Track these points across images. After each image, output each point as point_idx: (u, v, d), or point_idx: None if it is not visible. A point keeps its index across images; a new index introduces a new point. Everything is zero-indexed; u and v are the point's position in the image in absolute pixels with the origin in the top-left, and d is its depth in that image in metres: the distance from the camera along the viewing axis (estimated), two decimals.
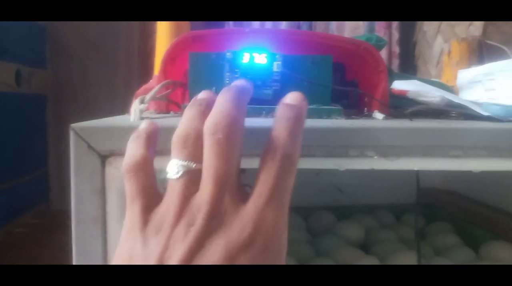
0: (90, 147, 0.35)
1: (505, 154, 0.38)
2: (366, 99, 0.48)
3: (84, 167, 0.36)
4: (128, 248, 0.22)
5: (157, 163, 0.36)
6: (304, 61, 0.46)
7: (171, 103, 0.47)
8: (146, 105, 0.39)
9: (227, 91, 0.24)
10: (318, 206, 0.79)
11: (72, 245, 0.36)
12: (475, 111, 0.46)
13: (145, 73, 1.82)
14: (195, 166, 0.22)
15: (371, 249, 0.65)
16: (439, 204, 0.83)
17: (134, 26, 2.06)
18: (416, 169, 0.38)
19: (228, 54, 0.44)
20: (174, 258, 0.20)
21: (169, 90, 0.46)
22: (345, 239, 0.67)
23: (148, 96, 0.40)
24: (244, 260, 0.19)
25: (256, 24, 1.42)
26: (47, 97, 2.21)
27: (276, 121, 0.23)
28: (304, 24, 1.53)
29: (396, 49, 1.33)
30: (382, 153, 0.37)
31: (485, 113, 0.45)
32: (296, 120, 0.23)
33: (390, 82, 0.54)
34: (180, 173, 0.22)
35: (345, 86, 0.51)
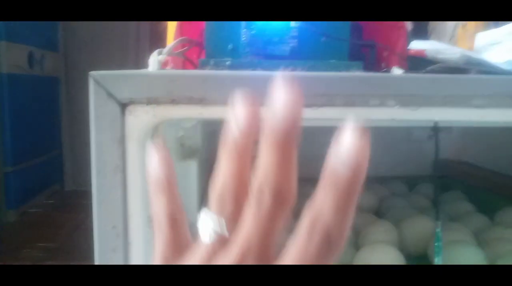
0: (109, 94, 0.35)
1: None
2: (384, 55, 0.47)
3: (104, 116, 0.36)
4: None
5: (176, 112, 0.37)
6: None
7: (187, 61, 0.47)
8: (164, 56, 0.38)
9: (274, 142, 0.17)
10: None
11: (92, 196, 0.37)
12: (496, 67, 0.45)
13: None
14: (229, 234, 0.19)
15: (384, 215, 0.65)
16: (453, 174, 0.82)
17: None
18: (437, 119, 0.37)
19: None
20: None
21: (185, 48, 0.46)
22: (358, 206, 0.66)
23: (166, 49, 0.40)
24: None
25: None
26: (60, 80, 2.22)
27: (323, 183, 0.17)
28: None
29: (409, 24, 1.30)
30: (403, 102, 0.36)
31: (507, 68, 0.44)
32: (350, 189, 0.16)
33: (408, 42, 0.53)
34: (213, 237, 0.20)
35: (363, 45, 0.50)
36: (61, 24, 2.17)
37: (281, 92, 0.17)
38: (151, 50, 0.42)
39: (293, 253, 0.17)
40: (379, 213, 0.68)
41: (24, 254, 1.55)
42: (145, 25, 2.18)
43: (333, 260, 0.17)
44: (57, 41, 2.20)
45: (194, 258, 0.19)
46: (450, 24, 1.28)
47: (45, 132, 2.13)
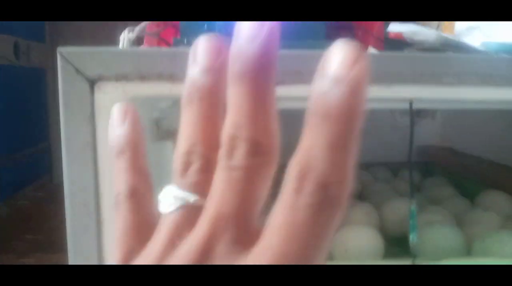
0: (78, 71, 0.35)
1: (499, 82, 0.37)
2: (361, 36, 0.47)
3: (72, 93, 0.35)
4: None
5: (145, 89, 0.36)
6: None
7: (162, 41, 0.47)
8: (135, 34, 0.38)
9: (244, 76, 0.13)
10: None
11: (63, 175, 0.37)
12: (471, 48, 0.45)
13: None
14: (195, 200, 0.15)
15: (366, 199, 0.66)
16: (436, 160, 0.83)
17: None
18: (409, 96, 0.37)
19: None
20: None
21: (160, 28, 0.46)
22: None
23: (138, 28, 0.40)
24: None
25: None
26: (47, 71, 2.20)
27: (310, 118, 0.12)
28: None
29: None
30: (375, 79, 0.36)
31: (482, 49, 0.44)
32: (348, 118, 0.12)
33: (386, 25, 0.53)
34: (174, 206, 0.15)
35: (340, 26, 0.50)
36: None
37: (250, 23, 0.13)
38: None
39: (279, 217, 0.12)
40: (361, 197, 0.69)
41: (12, 246, 1.55)
42: None
43: (335, 222, 0.12)
44: (43, 31, 2.18)
45: (158, 235, 0.15)
46: None
47: (33, 125, 2.11)
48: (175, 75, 0.35)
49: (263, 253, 0.13)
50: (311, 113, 0.12)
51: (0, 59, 1.82)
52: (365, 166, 0.81)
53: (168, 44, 0.47)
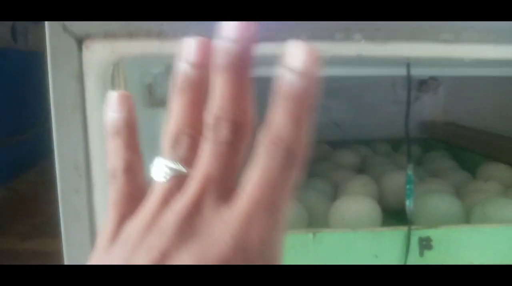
0: (65, 28, 0.34)
1: (502, 39, 0.36)
2: None
3: (60, 51, 0.34)
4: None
5: (134, 46, 0.35)
6: None
7: None
8: None
9: (227, 68, 0.17)
10: (316, 141, 0.78)
11: (53, 136, 0.36)
12: None
13: None
14: (184, 170, 0.18)
15: (365, 172, 0.65)
16: (438, 135, 0.82)
17: None
18: (405, 54, 0.36)
19: None
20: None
21: None
22: (340, 164, 0.66)
23: None
24: None
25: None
26: (45, 54, 2.19)
27: (276, 97, 0.17)
28: None
29: None
30: (370, 36, 0.35)
31: None
32: (302, 95, 0.16)
33: None
34: (166, 175, 0.18)
35: None
36: None
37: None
38: None
39: (255, 173, 0.17)
40: (361, 171, 0.68)
41: (14, 230, 1.55)
42: None
43: (295, 175, 0.17)
44: None
45: (149, 203, 0.18)
46: None
47: (32, 107, 2.11)
48: (164, 31, 0.34)
49: (243, 199, 0.16)
50: (280, 96, 0.16)
51: None
52: (366, 142, 0.80)
53: None
